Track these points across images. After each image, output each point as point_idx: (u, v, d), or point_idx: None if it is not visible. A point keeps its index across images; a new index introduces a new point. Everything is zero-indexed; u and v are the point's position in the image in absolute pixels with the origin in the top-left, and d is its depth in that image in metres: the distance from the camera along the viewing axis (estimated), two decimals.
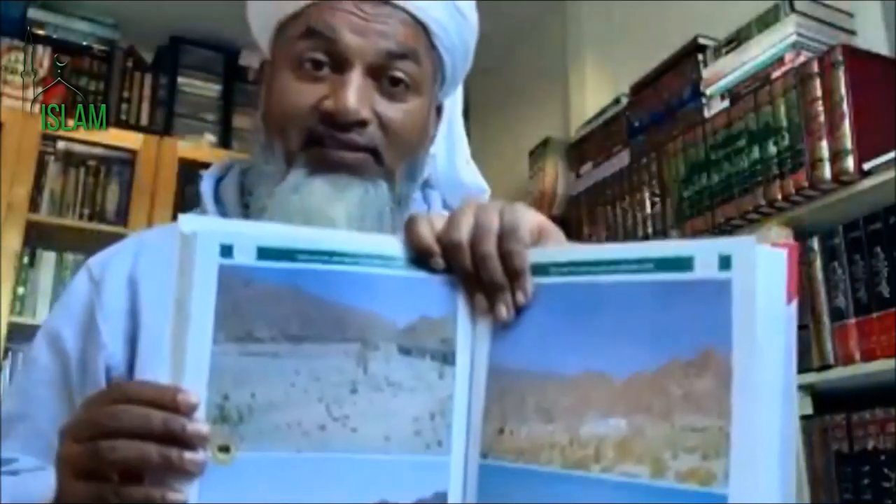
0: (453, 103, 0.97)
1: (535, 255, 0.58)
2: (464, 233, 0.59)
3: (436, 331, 0.58)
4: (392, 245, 0.59)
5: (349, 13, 0.80)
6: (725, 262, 0.51)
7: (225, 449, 0.54)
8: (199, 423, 0.54)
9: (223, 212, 0.87)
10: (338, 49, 0.79)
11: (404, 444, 0.56)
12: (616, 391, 0.53)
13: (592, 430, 0.53)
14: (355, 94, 0.78)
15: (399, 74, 0.81)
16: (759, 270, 0.50)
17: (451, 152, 0.97)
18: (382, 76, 0.81)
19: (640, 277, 0.54)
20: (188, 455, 0.53)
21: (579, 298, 0.56)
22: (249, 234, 0.56)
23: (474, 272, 0.59)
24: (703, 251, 0.52)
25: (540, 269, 0.58)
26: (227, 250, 0.55)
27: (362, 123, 0.79)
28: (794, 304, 0.52)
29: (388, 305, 0.57)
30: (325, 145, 0.79)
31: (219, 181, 0.91)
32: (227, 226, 0.59)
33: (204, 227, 0.55)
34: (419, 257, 0.59)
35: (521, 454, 0.56)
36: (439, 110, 0.92)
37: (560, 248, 0.60)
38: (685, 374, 0.51)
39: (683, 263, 0.52)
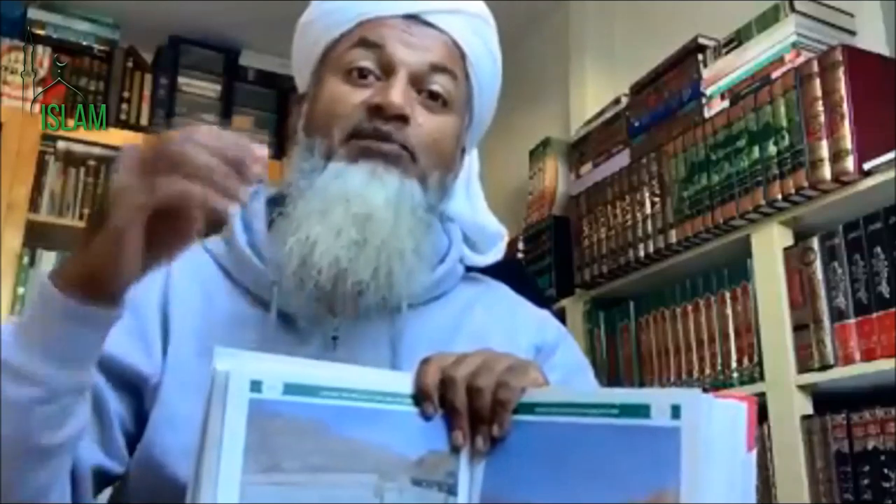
0: (472, 158, 1.02)
1: (524, 396, 0.65)
2: (462, 372, 0.66)
3: (442, 464, 0.65)
4: (404, 382, 0.66)
5: (398, 29, 0.88)
6: (676, 411, 0.56)
7: None
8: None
9: (252, 239, 0.90)
10: (385, 57, 0.87)
11: None
12: None
13: None
14: (400, 92, 0.85)
15: (437, 88, 0.88)
16: (720, 421, 0.56)
17: (470, 198, 1.02)
18: (423, 88, 0.88)
19: (607, 421, 0.60)
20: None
21: (557, 437, 0.62)
22: (277, 371, 0.61)
23: (461, 409, 0.65)
24: (658, 400, 0.57)
25: (527, 408, 0.64)
26: (256, 385, 0.59)
27: (403, 119, 0.85)
28: (754, 452, 0.58)
29: (401, 440, 0.64)
30: (365, 137, 0.84)
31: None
32: (257, 362, 0.62)
33: (236, 364, 0.60)
34: (421, 398, 0.66)
35: None
36: (463, 151, 0.96)
37: (543, 390, 0.66)
38: None
39: (642, 410, 0.58)
